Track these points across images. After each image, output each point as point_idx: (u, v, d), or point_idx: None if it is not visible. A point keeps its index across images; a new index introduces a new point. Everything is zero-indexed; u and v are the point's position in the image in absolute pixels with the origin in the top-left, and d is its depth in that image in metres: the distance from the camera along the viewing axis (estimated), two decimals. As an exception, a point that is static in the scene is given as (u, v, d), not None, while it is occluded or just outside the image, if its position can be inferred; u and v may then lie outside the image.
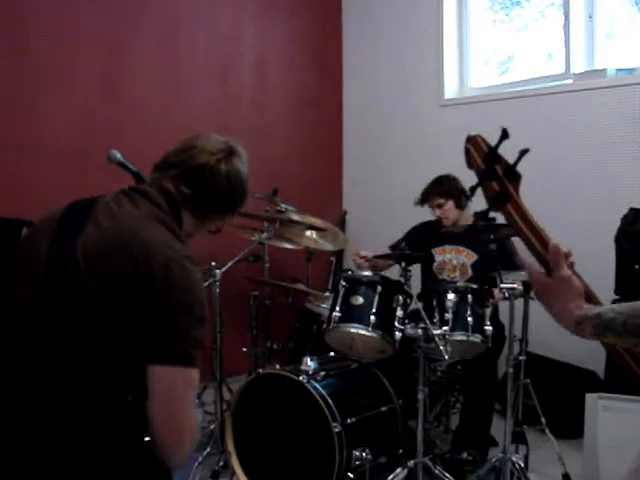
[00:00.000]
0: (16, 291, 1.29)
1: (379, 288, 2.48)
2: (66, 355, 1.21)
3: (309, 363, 2.47)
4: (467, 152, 1.19)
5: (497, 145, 1.15)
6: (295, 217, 3.22)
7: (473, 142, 1.18)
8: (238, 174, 1.45)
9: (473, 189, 1.19)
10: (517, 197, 1.15)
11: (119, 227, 1.28)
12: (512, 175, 1.16)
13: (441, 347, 2.34)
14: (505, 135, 1.14)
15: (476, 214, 1.23)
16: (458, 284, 2.63)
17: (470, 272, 3.13)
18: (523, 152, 1.15)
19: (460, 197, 3.07)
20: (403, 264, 2.56)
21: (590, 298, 1.13)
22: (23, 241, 1.38)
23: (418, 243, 3.07)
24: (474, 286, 2.61)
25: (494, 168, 1.16)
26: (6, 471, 1.18)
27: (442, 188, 3.10)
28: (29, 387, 1.21)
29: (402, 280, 2.54)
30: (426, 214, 3.27)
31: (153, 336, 1.21)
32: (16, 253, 1.34)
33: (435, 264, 3.21)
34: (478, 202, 1.26)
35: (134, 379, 1.23)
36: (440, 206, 3.10)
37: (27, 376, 1.21)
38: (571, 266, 1.14)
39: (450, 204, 3.08)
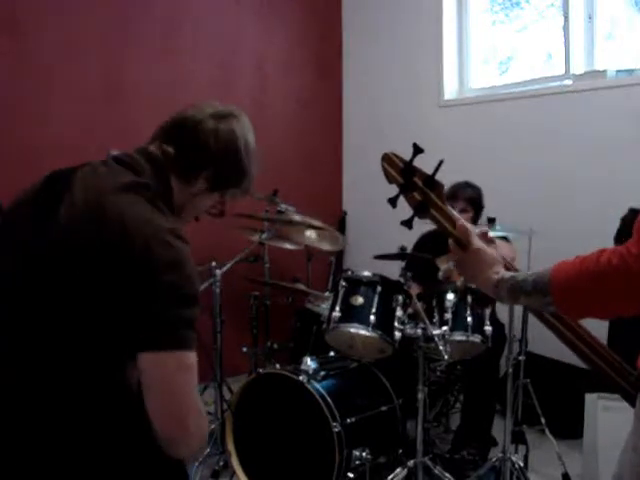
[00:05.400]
0: None
1: (379, 288, 2.48)
2: (51, 352, 1.13)
3: (309, 363, 2.48)
4: (383, 169, 1.28)
5: (411, 160, 1.24)
6: (295, 217, 3.22)
7: (387, 160, 1.27)
8: (231, 134, 1.29)
9: (392, 200, 1.27)
10: (441, 203, 1.25)
11: (91, 200, 1.14)
12: (432, 184, 1.25)
13: (441, 347, 2.35)
14: (418, 150, 1.23)
15: (402, 223, 1.31)
16: (458, 283, 2.63)
17: None
18: (440, 163, 1.25)
19: (479, 213, 3.04)
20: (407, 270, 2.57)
21: (509, 268, 1.23)
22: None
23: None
24: (473, 286, 2.61)
25: (412, 180, 1.25)
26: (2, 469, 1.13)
27: (473, 195, 3.03)
28: (17, 384, 1.14)
29: (402, 280, 2.54)
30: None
31: (140, 321, 1.10)
32: None
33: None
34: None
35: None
36: (463, 211, 2.98)
37: (12, 373, 1.15)
38: (488, 240, 1.26)
39: (470, 214, 3.00)
